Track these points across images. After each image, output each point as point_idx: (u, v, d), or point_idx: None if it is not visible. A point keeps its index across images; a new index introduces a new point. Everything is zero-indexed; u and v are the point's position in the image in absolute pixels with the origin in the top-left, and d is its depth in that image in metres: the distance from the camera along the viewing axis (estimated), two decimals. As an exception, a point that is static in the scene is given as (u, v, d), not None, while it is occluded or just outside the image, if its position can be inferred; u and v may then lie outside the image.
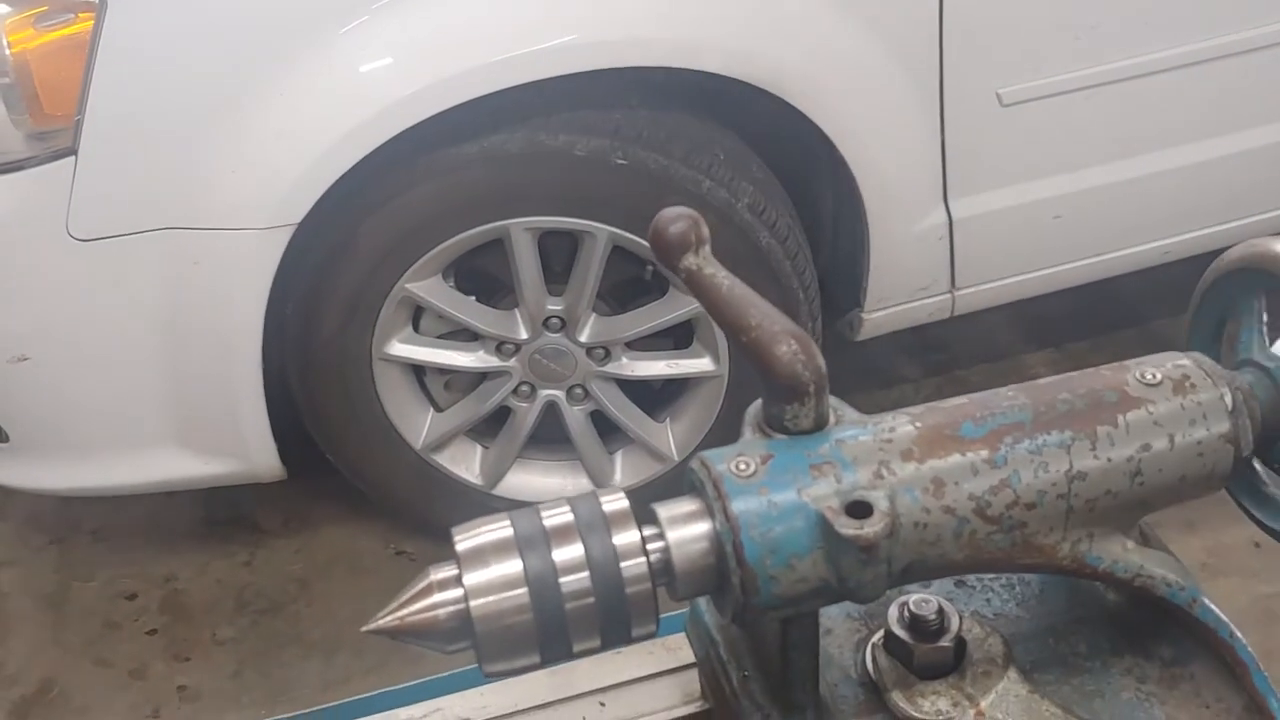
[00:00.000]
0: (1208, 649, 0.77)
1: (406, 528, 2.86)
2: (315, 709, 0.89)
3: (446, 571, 0.66)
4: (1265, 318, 0.75)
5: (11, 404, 2.47)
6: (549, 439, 2.76)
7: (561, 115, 2.37)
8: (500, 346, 2.61)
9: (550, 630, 0.65)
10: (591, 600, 0.66)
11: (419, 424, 2.69)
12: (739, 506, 0.66)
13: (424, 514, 2.80)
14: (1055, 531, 0.70)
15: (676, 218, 0.74)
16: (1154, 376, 0.71)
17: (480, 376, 2.67)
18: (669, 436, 2.73)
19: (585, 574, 0.65)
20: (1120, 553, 0.72)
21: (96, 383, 2.44)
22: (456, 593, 0.65)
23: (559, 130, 2.37)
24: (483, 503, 2.75)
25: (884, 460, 0.68)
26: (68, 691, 2.61)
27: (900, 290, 2.71)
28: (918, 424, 0.70)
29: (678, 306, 2.55)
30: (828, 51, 2.40)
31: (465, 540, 0.66)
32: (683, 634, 0.91)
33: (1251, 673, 0.75)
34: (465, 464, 2.75)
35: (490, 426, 2.75)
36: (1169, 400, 0.70)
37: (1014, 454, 0.68)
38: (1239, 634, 0.76)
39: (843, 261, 2.75)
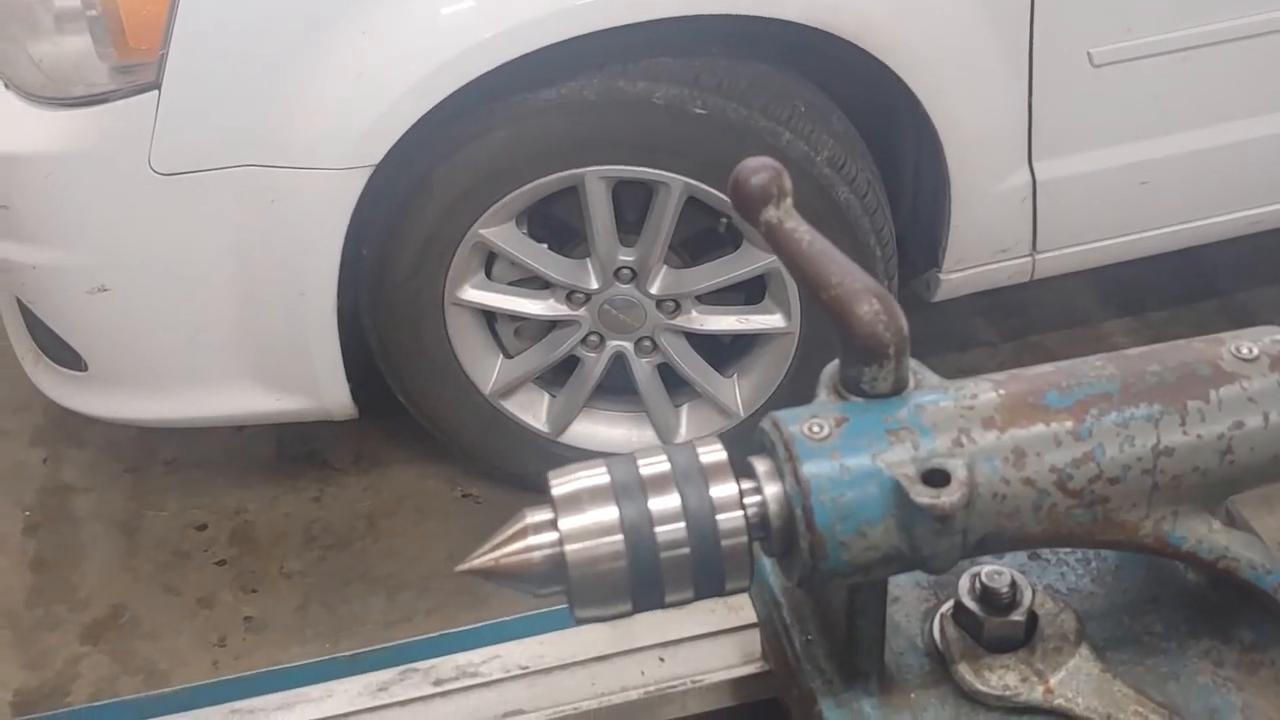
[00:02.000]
0: (1291, 635, 0.74)
1: (473, 471, 2.88)
2: (376, 648, 0.90)
3: (541, 515, 0.66)
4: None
5: (90, 334, 2.51)
6: (616, 389, 2.75)
7: (640, 63, 2.34)
8: (571, 295, 2.60)
9: (644, 579, 0.65)
10: (686, 551, 0.65)
11: (489, 369, 2.69)
12: (810, 469, 0.65)
13: (491, 458, 2.81)
14: (1138, 508, 0.67)
15: (759, 168, 0.73)
16: (1250, 351, 0.69)
17: (550, 325, 2.66)
18: (736, 392, 2.72)
19: (681, 524, 0.64)
20: (1205, 533, 0.69)
21: (173, 316, 2.47)
22: (551, 536, 0.65)
23: (637, 78, 2.34)
24: (548, 450, 2.76)
25: (964, 428, 0.66)
26: (137, 617, 2.66)
27: (980, 251, 2.66)
28: (1001, 391, 0.67)
29: (751, 261, 2.53)
30: (914, 3, 2.35)
31: (562, 485, 0.66)
32: (746, 594, 0.89)
33: (1334, 661, 0.72)
34: (532, 411, 2.76)
35: (558, 375, 2.75)
36: (1265, 376, 0.68)
37: (1100, 426, 0.66)
38: (1324, 621, 0.73)
39: (922, 220, 2.70)
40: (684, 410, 2.76)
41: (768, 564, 0.83)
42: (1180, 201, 2.67)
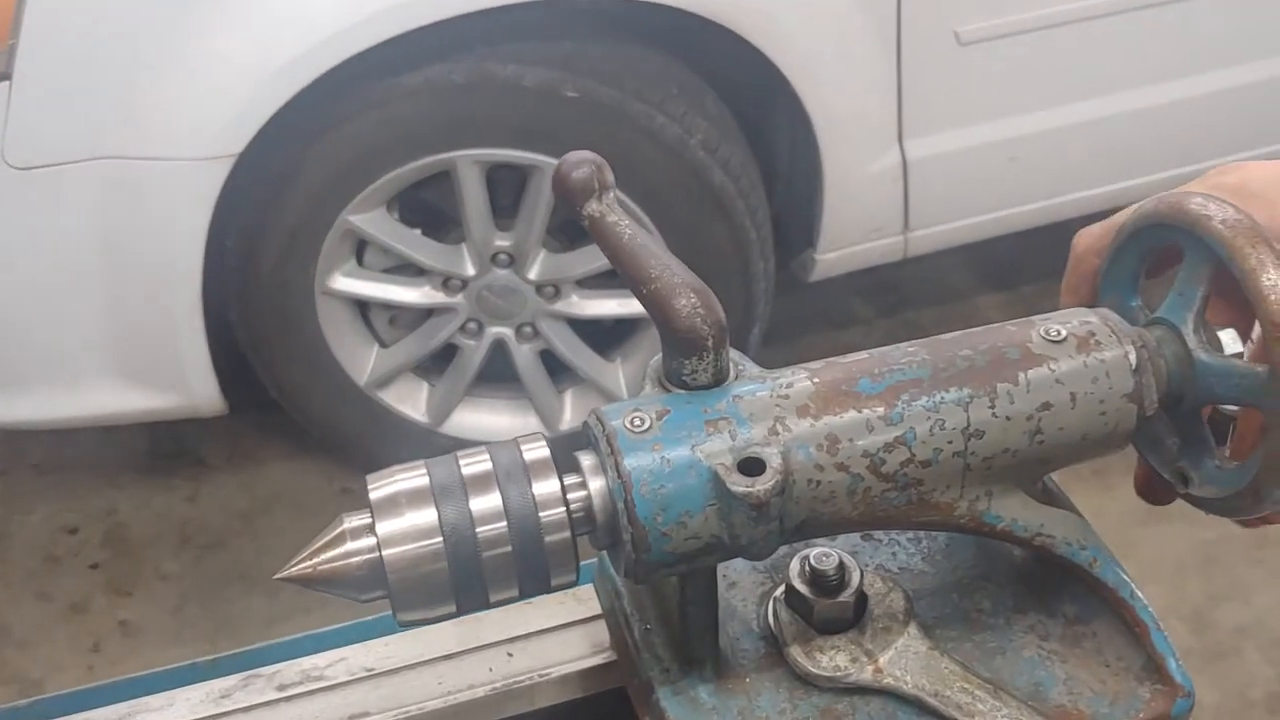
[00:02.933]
0: (1109, 608, 0.76)
1: (351, 465, 2.84)
2: (223, 654, 0.88)
3: (360, 520, 0.64)
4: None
5: (-54, 334, 2.43)
6: (497, 377, 2.73)
7: (510, 45, 2.32)
8: (447, 282, 2.57)
9: (466, 580, 0.64)
10: (509, 549, 0.65)
11: (363, 360, 2.66)
12: (631, 463, 0.64)
13: (369, 452, 2.77)
14: (952, 489, 0.68)
15: (580, 162, 0.72)
16: (1058, 333, 0.70)
17: (426, 313, 2.64)
18: (620, 376, 2.71)
19: (503, 523, 0.64)
20: (1019, 511, 0.71)
21: (33, 314, 2.40)
22: (369, 541, 0.63)
23: (507, 60, 2.32)
24: (429, 440, 2.73)
25: (779, 416, 0.66)
26: (8, 625, 2.59)
27: (854, 231, 2.68)
28: (815, 380, 0.68)
29: (627, 244, 2.52)
30: (783, -15, 2.36)
31: (379, 488, 0.64)
32: (593, 585, 0.89)
33: (1151, 632, 0.74)
34: (411, 401, 2.73)
35: (437, 364, 2.72)
36: (1072, 358, 0.69)
37: (910, 411, 0.67)
38: (1140, 593, 0.75)
39: (797, 202, 2.72)
40: (568, 395, 2.75)
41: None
42: (1048, 177, 2.72)
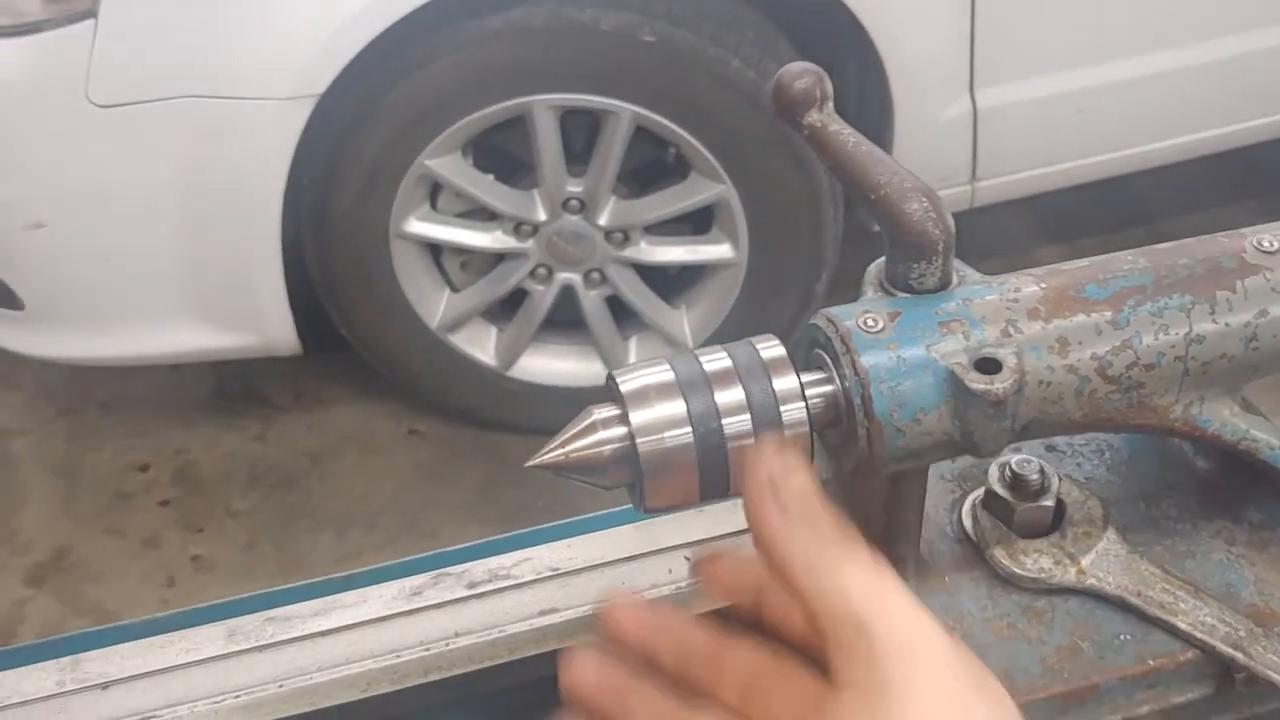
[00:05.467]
0: (1299, 514, 0.78)
1: (419, 407, 2.87)
2: (405, 559, 0.90)
3: (608, 411, 0.67)
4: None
5: (27, 271, 2.45)
6: (563, 323, 2.76)
7: (589, -11, 2.33)
8: (518, 227, 2.59)
9: (712, 470, 0.66)
10: (752, 441, 0.67)
11: (435, 303, 2.68)
12: (868, 361, 0.67)
13: (437, 394, 2.81)
14: (1170, 393, 0.71)
15: (801, 72, 0.74)
16: (1271, 244, 0.72)
17: (497, 258, 2.66)
18: (684, 323, 2.74)
19: (746, 416, 0.66)
20: (1228, 416, 0.73)
21: (113, 252, 2.42)
22: (620, 431, 0.66)
23: (585, 4, 2.33)
24: (496, 384, 2.77)
25: (1010, 319, 0.68)
26: (83, 559, 2.63)
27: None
28: (1042, 285, 0.70)
29: (699, 191, 2.54)
30: (861, -71, 2.37)
31: (629, 382, 0.67)
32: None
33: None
34: (480, 345, 2.75)
35: (506, 309, 2.74)
36: (1287, 268, 0.71)
37: (1136, 316, 0.69)
38: (1332, 498, 0.78)
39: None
40: (632, 342, 2.77)
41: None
42: (1114, 130, 2.73)
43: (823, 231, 2.59)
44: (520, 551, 0.92)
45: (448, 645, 0.87)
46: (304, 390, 2.97)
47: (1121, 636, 0.75)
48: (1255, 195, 3.18)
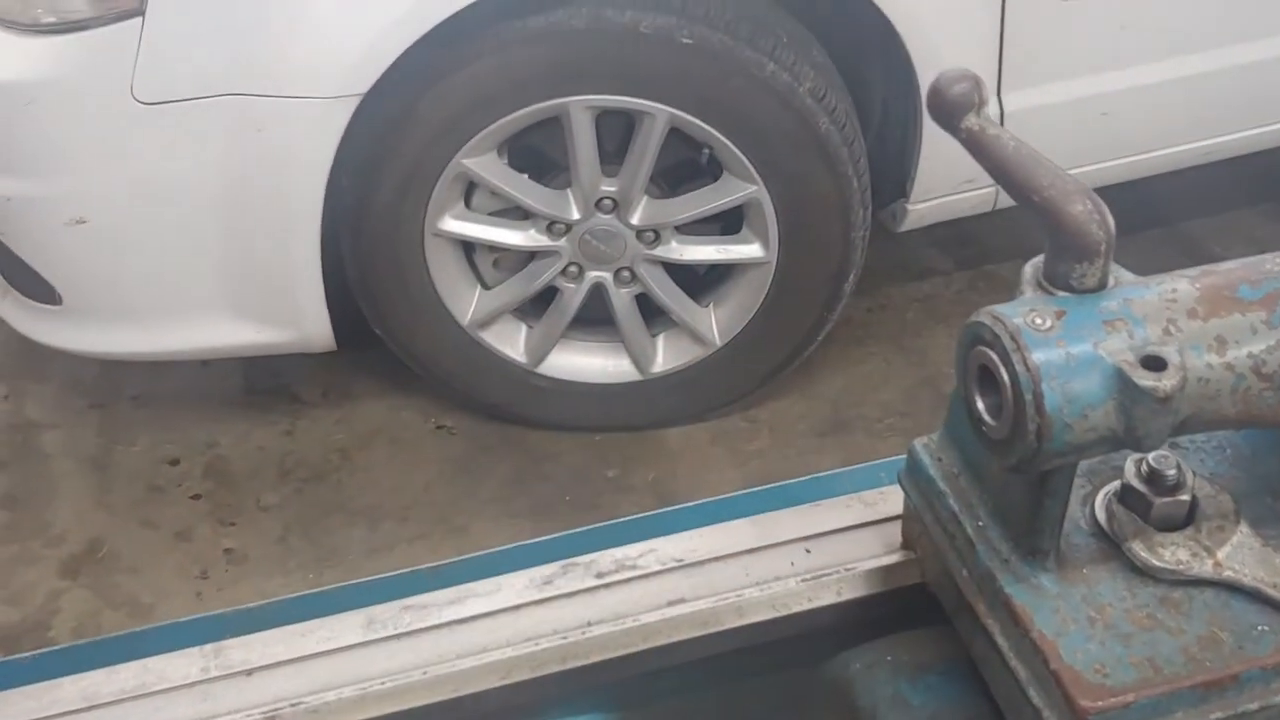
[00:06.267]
0: None
1: (447, 403, 2.89)
2: (527, 543, 0.92)
3: None
4: None
5: (67, 266, 2.47)
6: (590, 320, 2.78)
7: (629, -9, 2.36)
8: (551, 226, 2.62)
9: None
10: None
11: (467, 301, 2.71)
12: (1039, 357, 0.70)
13: (467, 390, 2.83)
14: (1319, 392, 0.74)
15: (959, 78, 0.77)
16: None
17: (529, 256, 2.68)
18: (712, 321, 2.76)
19: None
20: (1370, 415, 0.76)
21: (153, 248, 2.44)
22: None
23: (625, 6, 2.36)
24: (525, 380, 2.79)
25: (1171, 318, 0.72)
26: (116, 551, 2.65)
27: (946, 182, 2.73)
28: (1196, 285, 0.73)
29: (731, 191, 2.57)
30: (895, -66, 2.40)
31: None
32: (877, 490, 0.95)
33: None
34: (510, 342, 2.78)
35: (536, 306, 2.77)
36: None
37: (1290, 316, 0.72)
38: None
39: (889, 152, 2.77)
40: (660, 340, 2.80)
41: (924, 455, 0.88)
42: (1138, 133, 2.77)
43: (852, 232, 2.62)
44: (644, 543, 0.95)
45: (583, 634, 0.90)
46: (331, 385, 2.99)
47: (1259, 627, 0.78)
48: (1271, 199, 3.23)
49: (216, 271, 2.47)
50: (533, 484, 2.77)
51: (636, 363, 2.79)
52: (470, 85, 2.40)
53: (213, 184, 2.36)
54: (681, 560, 0.95)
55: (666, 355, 2.81)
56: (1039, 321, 0.71)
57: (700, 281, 2.78)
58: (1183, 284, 0.73)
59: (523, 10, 2.34)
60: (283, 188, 2.38)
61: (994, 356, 0.72)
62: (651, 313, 2.76)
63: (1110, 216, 0.73)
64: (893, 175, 2.77)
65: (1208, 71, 2.70)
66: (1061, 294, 0.74)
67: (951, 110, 0.77)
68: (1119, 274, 0.75)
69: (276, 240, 2.44)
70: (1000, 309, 0.73)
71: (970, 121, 0.77)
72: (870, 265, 3.06)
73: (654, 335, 2.80)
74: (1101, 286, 0.73)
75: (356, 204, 2.50)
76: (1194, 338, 0.71)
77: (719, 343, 2.76)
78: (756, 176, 2.53)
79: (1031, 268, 0.77)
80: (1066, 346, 0.70)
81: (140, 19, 2.20)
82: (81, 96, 2.28)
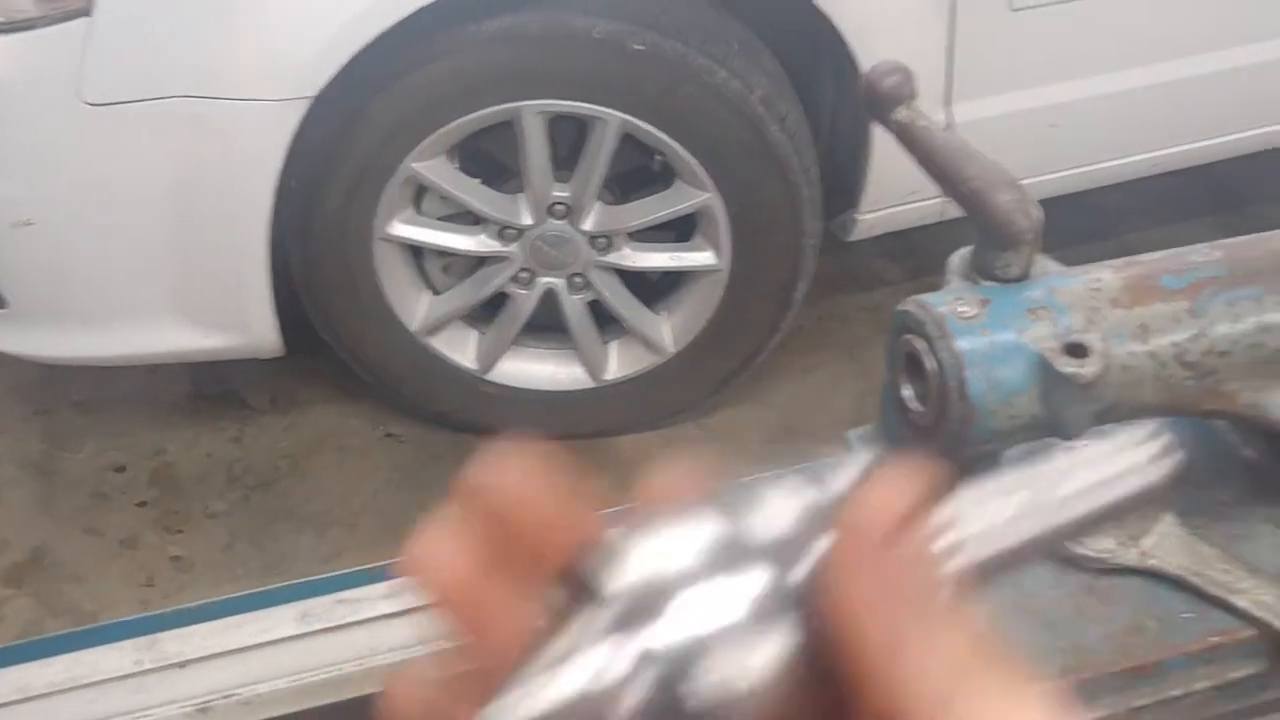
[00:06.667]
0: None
1: (394, 410, 2.88)
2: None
3: None
4: None
5: (12, 269, 2.44)
6: (542, 327, 2.78)
7: (582, -3, 2.36)
8: (502, 231, 2.61)
9: None
10: None
11: (416, 306, 2.70)
12: (964, 345, 0.70)
13: (416, 397, 2.82)
14: (1239, 380, 0.75)
15: (891, 70, 0.78)
16: (1334, 240, 0.77)
17: (479, 261, 2.67)
18: (666, 329, 2.77)
19: None
20: (1291, 404, 0.78)
21: (101, 251, 2.42)
22: None
23: (579, 12, 2.37)
24: (475, 387, 2.78)
25: (1094, 307, 0.73)
26: (60, 559, 2.61)
27: (895, 192, 2.75)
28: (1121, 275, 0.74)
29: (684, 198, 2.58)
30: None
31: None
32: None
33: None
34: (460, 348, 2.77)
35: (486, 312, 2.76)
36: (1352, 262, 0.76)
37: (1212, 305, 0.73)
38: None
39: (838, 163, 2.78)
40: (612, 347, 2.80)
41: (860, 448, 0.89)
42: (1086, 144, 2.80)
43: (803, 241, 2.64)
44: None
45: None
46: (279, 392, 2.97)
47: (1184, 615, 0.79)
48: (1214, 211, 3.28)
49: (164, 275, 2.45)
50: (483, 492, 2.76)
51: (589, 370, 2.79)
52: (422, 88, 2.40)
53: (161, 187, 2.34)
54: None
55: (619, 362, 2.81)
56: (964, 310, 0.72)
57: (653, 288, 2.79)
58: (1107, 274, 0.74)
59: (478, 13, 2.34)
60: (232, 191, 2.36)
61: (919, 344, 0.73)
62: (604, 320, 2.76)
63: (1036, 207, 0.74)
64: (843, 185, 2.79)
65: (1155, 84, 2.73)
66: (987, 283, 0.75)
67: (884, 102, 0.78)
68: (1045, 264, 0.76)
69: (225, 244, 2.42)
70: (926, 297, 0.74)
71: (901, 114, 0.78)
72: (821, 274, 3.08)
73: (606, 342, 2.80)
74: (1027, 276, 0.74)
75: (305, 207, 2.49)
76: (1117, 326, 0.72)
77: (672, 350, 2.77)
78: (708, 183, 2.54)
79: (959, 258, 0.78)
80: (991, 334, 0.71)
81: (87, 19, 2.19)
82: (27, 97, 2.26)
